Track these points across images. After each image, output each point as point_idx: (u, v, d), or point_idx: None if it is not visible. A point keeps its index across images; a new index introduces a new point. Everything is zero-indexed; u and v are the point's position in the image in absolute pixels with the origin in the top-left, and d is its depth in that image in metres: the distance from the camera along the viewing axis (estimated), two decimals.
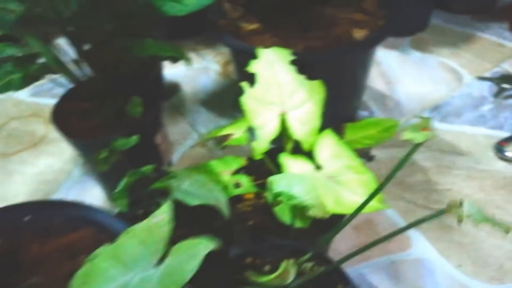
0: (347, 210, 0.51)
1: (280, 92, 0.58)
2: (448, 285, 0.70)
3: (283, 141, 0.60)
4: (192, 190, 0.48)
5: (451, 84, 1.09)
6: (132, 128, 0.74)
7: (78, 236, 0.49)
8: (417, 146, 0.38)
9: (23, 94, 1.18)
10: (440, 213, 0.38)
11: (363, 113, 1.02)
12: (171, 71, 1.16)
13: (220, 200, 0.48)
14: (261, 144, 0.55)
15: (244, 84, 0.58)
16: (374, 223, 0.80)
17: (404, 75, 1.13)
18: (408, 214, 0.80)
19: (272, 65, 0.60)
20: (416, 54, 1.20)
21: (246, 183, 0.59)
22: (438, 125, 0.98)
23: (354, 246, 0.76)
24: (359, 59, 0.79)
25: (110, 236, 0.44)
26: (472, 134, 0.95)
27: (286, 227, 0.53)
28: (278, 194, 0.47)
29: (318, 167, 0.55)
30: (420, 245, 0.76)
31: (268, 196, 0.50)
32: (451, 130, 0.96)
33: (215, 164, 0.61)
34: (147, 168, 0.54)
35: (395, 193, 0.84)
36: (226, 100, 1.10)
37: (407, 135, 0.35)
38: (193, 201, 0.47)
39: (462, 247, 0.75)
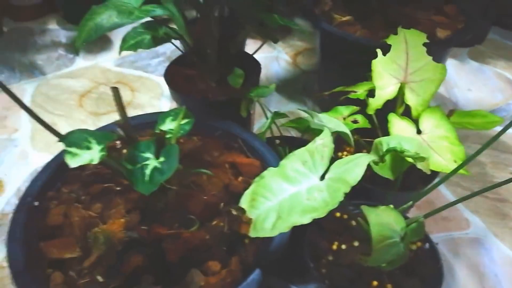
0: (434, 168, 0.61)
1: (406, 65, 0.69)
2: (504, 263, 0.78)
3: (397, 105, 0.70)
4: (325, 123, 0.59)
5: (506, 93, 1.17)
6: (232, 95, 0.84)
7: (249, 162, 0.60)
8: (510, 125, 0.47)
9: (109, 64, 1.30)
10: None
11: None
12: None
13: (345, 130, 0.59)
14: (377, 102, 0.66)
15: (378, 50, 0.68)
16: (434, 203, 0.88)
17: (462, 81, 1.22)
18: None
19: (405, 42, 0.70)
20: (474, 64, 1.29)
21: (361, 120, 0.71)
22: (495, 128, 1.06)
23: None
24: (438, 57, 0.89)
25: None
26: None
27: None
28: (390, 150, 0.57)
29: (419, 132, 0.65)
30: (477, 227, 0.84)
31: (375, 154, 0.60)
32: (507, 133, 1.05)
33: (332, 111, 0.74)
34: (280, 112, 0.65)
35: (454, 181, 0.93)
36: (295, 87, 1.20)
37: None
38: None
39: None
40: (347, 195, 0.77)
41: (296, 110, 1.11)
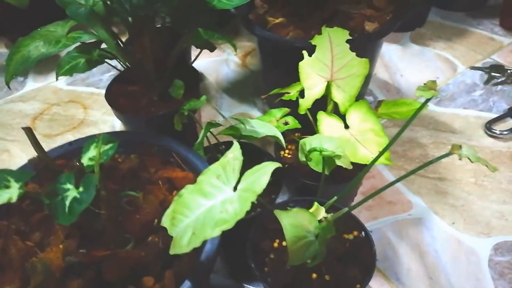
0: (361, 161, 0.65)
1: (331, 64, 0.73)
2: (443, 239, 0.83)
3: (327, 103, 0.73)
4: (256, 128, 0.62)
5: (447, 73, 1.23)
6: (175, 107, 0.86)
7: (184, 175, 0.63)
8: (426, 102, 0.50)
9: (61, 83, 1.30)
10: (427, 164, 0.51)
11: (368, 97, 1.15)
12: (196, 62, 1.28)
13: (276, 133, 0.63)
14: (307, 102, 0.70)
15: (304, 52, 0.72)
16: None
17: (404, 66, 1.26)
18: (409, 181, 0.94)
19: (330, 41, 0.74)
20: (415, 47, 1.33)
21: (292, 122, 0.75)
22: (434, 108, 1.11)
23: (362, 206, 0.89)
24: (369, 50, 0.93)
25: None
26: (465, 116, 1.08)
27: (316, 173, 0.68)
28: (312, 150, 0.60)
29: (346, 127, 0.69)
30: (420, 207, 0.89)
31: (301, 154, 0.63)
32: (446, 112, 1.10)
33: (266, 115, 0.78)
34: (214, 122, 0.69)
35: (398, 165, 0.97)
36: (246, 88, 1.22)
37: (418, 93, 0.47)
38: (259, 135, 0.62)
39: (455, 209, 0.88)
40: (296, 191, 0.80)
41: (247, 112, 1.14)
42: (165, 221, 0.47)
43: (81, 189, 0.47)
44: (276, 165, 0.46)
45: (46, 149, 0.70)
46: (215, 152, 0.78)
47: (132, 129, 0.92)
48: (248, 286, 0.78)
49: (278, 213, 0.49)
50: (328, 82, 0.75)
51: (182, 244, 0.44)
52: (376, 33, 0.88)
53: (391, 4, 0.98)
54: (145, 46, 0.79)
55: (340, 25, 0.89)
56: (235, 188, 0.48)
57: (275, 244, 0.67)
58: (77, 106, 1.21)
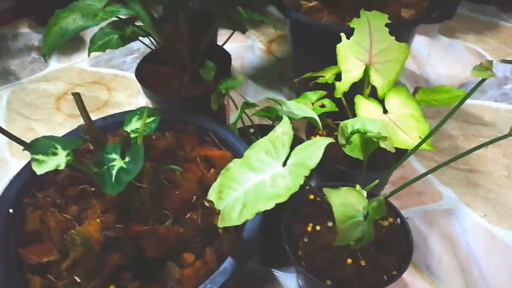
0: (401, 146, 0.64)
1: (370, 47, 0.71)
2: (476, 231, 0.81)
3: (363, 87, 0.72)
4: (293, 110, 0.61)
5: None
6: (205, 89, 0.85)
7: (221, 154, 0.62)
8: (475, 88, 0.49)
9: (84, 64, 1.29)
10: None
11: None
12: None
13: (314, 115, 0.62)
14: (344, 85, 0.69)
15: (342, 34, 0.70)
16: (408, 179, 0.91)
17: (433, 57, 1.24)
18: (438, 172, 0.92)
19: (368, 25, 0.72)
20: (444, 40, 1.31)
21: (329, 104, 0.74)
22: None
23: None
24: (404, 37, 0.90)
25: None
26: (496, 108, 1.06)
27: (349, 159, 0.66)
28: (354, 132, 0.59)
29: (385, 111, 0.67)
30: (450, 198, 0.87)
31: (341, 137, 0.62)
32: (476, 104, 1.08)
33: (301, 97, 0.77)
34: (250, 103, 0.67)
35: (428, 156, 0.96)
36: (271, 74, 1.21)
37: (474, 73, 0.45)
38: (296, 116, 0.61)
39: (487, 201, 0.86)
40: (326, 178, 0.78)
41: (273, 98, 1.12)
42: (212, 195, 0.46)
43: (127, 159, 0.46)
44: (329, 140, 0.45)
45: (70, 129, 0.70)
46: (249, 134, 0.77)
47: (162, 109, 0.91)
48: (276, 271, 0.77)
49: (327, 191, 0.47)
50: (366, 65, 0.73)
51: (232, 217, 0.43)
52: (414, 19, 0.86)
53: None
54: (180, 26, 0.78)
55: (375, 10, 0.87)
56: (284, 163, 0.47)
57: (309, 228, 0.66)
58: (101, 88, 1.20)
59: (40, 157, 0.44)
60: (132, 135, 0.52)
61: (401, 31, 0.89)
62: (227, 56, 0.91)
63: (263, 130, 0.78)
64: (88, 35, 1.41)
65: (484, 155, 0.95)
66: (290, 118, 0.68)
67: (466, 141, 0.99)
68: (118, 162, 0.46)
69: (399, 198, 0.87)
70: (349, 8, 0.92)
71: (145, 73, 0.89)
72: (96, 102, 1.15)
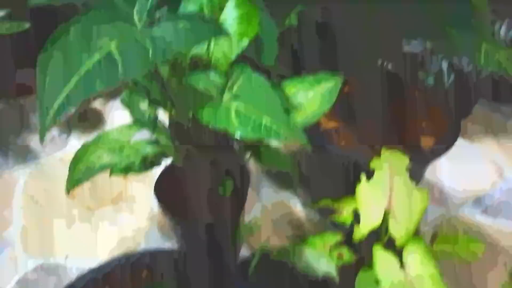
0: None
1: (390, 192, 0.73)
2: None
3: (381, 234, 0.71)
4: (311, 262, 0.61)
5: (493, 177, 1.20)
6: (223, 208, 0.85)
7: None
8: None
9: None
10: None
11: None
12: None
13: (332, 271, 0.62)
14: (363, 231, 0.68)
15: (362, 176, 0.72)
16: None
17: (447, 162, 1.23)
18: None
19: (389, 167, 0.74)
20: (460, 142, 1.31)
21: (347, 255, 0.73)
22: (479, 218, 1.08)
23: None
24: (423, 166, 0.91)
25: None
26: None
27: None
28: None
29: (402, 265, 0.67)
30: None
31: None
32: (492, 224, 1.06)
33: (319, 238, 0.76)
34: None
35: None
36: (287, 174, 1.21)
37: None
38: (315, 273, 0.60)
39: None
40: None
41: (287, 201, 1.12)
42: None
43: None
44: None
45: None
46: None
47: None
48: None
49: None
50: (385, 211, 0.73)
51: None
52: (435, 151, 0.87)
53: (447, 113, 0.97)
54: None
55: (396, 137, 0.88)
56: None
57: None
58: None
59: None
60: None
61: (420, 163, 0.89)
62: (245, 172, 0.92)
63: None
64: (107, 110, 1.43)
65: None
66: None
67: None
68: None
69: None
70: (371, 131, 0.93)
71: (164, 188, 0.89)
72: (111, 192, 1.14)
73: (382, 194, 0.74)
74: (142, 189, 1.17)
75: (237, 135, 0.54)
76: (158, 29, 0.54)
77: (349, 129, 0.93)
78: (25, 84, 1.49)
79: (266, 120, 0.56)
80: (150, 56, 0.50)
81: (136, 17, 0.58)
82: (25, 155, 1.26)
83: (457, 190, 1.15)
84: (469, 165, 1.24)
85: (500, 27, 1.24)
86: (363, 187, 0.75)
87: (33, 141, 1.31)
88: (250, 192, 1.13)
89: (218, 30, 0.58)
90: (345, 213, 0.77)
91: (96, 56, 0.47)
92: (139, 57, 0.49)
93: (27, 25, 1.07)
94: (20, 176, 1.19)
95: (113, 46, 0.49)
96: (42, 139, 0.43)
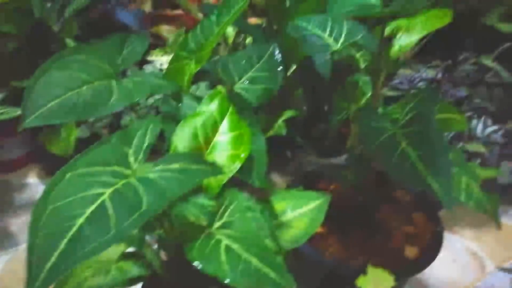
0: None
1: None
2: None
3: None
4: None
5: (476, 271, 1.21)
6: None
7: None
8: None
9: None
10: None
11: None
12: None
13: None
14: None
15: None
16: None
17: None
18: None
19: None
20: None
21: None
22: None
23: None
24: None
25: None
26: None
27: None
28: None
29: None
30: None
31: None
32: None
33: None
34: None
35: None
36: None
37: None
38: None
39: None
40: None
41: None
42: None
43: None
44: None
45: None
46: None
47: None
48: None
49: None
50: None
51: None
52: (418, 264, 0.88)
53: (430, 219, 0.99)
54: None
55: (380, 243, 0.89)
56: None
57: None
58: None
59: None
60: None
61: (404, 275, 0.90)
62: None
63: None
64: None
65: None
66: None
67: None
68: None
69: None
70: (356, 239, 0.94)
71: None
72: None
73: None
74: None
75: (227, 281, 0.55)
76: (154, 174, 0.56)
77: (335, 234, 0.94)
78: (14, 161, 1.47)
79: (256, 262, 0.57)
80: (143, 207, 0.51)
81: (131, 158, 0.60)
82: (4, 241, 1.22)
83: (444, 283, 1.16)
84: (451, 255, 1.25)
85: (477, 124, 1.31)
86: None
87: (15, 224, 1.28)
88: None
89: (211, 171, 0.60)
90: None
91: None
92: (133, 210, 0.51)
93: None
94: None
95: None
96: None
